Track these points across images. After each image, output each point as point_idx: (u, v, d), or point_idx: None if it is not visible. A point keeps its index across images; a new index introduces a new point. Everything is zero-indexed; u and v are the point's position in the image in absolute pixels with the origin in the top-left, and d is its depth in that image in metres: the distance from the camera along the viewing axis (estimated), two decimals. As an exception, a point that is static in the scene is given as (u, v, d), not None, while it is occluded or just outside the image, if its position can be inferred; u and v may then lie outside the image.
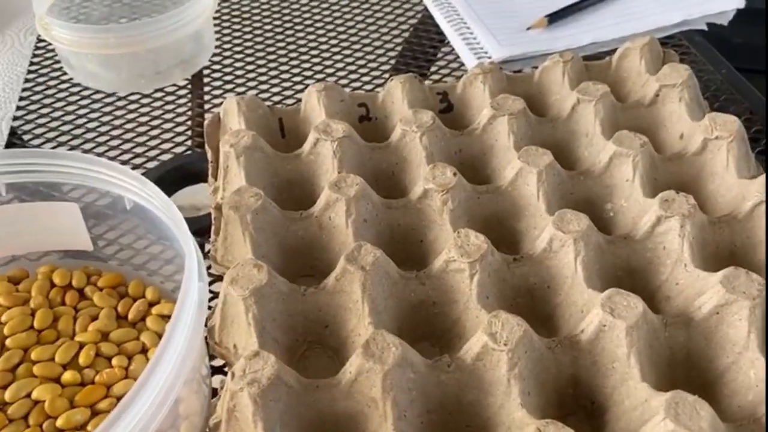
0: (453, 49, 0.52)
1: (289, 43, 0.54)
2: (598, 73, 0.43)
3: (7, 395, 0.28)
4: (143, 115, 0.47)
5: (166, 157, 0.44)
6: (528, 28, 0.50)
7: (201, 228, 0.37)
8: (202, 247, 0.36)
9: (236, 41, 0.54)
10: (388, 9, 0.58)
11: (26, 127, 0.46)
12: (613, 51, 0.44)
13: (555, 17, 0.51)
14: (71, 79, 0.49)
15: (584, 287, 0.30)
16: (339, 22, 0.56)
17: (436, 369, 0.27)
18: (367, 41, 0.54)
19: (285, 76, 0.51)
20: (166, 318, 0.32)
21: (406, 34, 0.56)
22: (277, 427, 0.25)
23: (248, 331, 0.29)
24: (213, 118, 0.41)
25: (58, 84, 0.49)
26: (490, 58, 0.48)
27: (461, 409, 0.27)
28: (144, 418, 0.22)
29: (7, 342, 0.30)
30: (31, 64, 0.51)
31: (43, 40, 0.53)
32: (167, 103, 0.48)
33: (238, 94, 0.48)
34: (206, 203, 0.40)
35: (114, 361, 0.30)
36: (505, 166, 0.37)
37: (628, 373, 0.27)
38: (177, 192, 0.43)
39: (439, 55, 0.54)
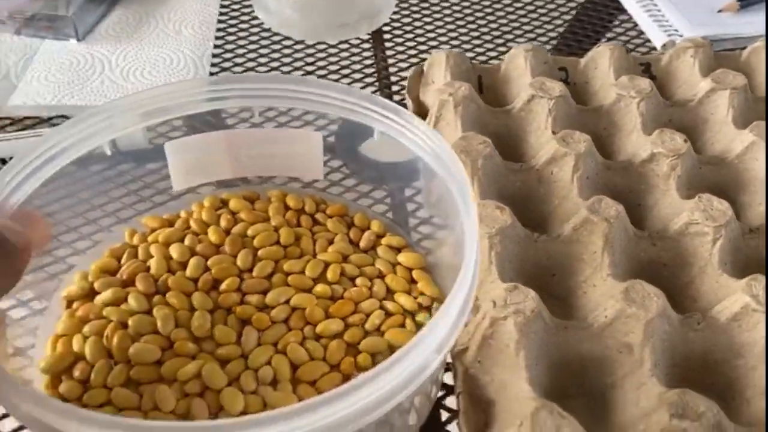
0: (623, 26, 0.52)
1: (454, 4, 0.55)
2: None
3: (268, 299, 0.29)
4: (331, 63, 0.48)
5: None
6: (719, 11, 0.49)
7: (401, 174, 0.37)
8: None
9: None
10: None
11: (217, 69, 0.48)
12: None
13: (746, 2, 0.50)
14: (260, 24, 0.51)
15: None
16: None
17: (686, 325, 0.27)
18: (533, 7, 0.55)
19: (452, 35, 0.51)
20: (395, 249, 0.32)
21: (573, 4, 0.56)
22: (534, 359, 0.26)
23: (488, 269, 0.29)
24: (416, 70, 0.42)
25: (249, 28, 0.51)
26: (681, 36, 0.47)
27: (706, 367, 0.27)
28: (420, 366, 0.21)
29: (260, 253, 0.31)
30: (220, 6, 0.53)
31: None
32: (353, 54, 0.49)
33: (411, 50, 0.49)
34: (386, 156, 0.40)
35: (357, 282, 0.30)
36: (720, 140, 0.36)
37: None
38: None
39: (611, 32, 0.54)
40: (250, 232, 0.32)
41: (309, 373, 0.27)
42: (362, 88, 0.46)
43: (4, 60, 0.45)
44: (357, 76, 0.47)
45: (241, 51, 0.49)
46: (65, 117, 0.42)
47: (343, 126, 0.36)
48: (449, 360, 0.29)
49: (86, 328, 0.27)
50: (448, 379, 0.29)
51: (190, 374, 0.26)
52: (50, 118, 0.42)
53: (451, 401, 0.29)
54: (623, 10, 0.54)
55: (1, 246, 0.22)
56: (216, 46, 0.49)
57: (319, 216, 0.34)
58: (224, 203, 0.34)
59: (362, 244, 0.33)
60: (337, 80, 0.47)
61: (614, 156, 0.37)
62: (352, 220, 0.34)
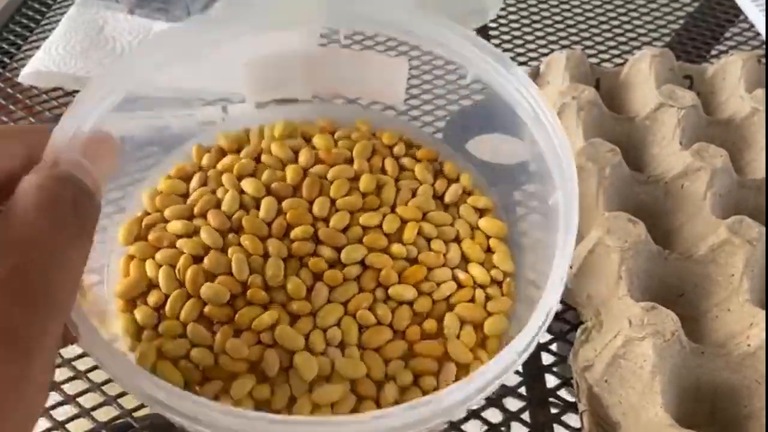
0: (739, 26, 0.49)
1: (563, 2, 0.53)
2: None
3: (343, 256, 0.28)
4: (436, 57, 0.47)
5: (453, 108, 0.44)
6: None
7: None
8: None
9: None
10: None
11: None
12: None
13: None
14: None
15: None
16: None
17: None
18: (646, 9, 0.52)
19: (561, 34, 0.50)
20: (478, 211, 0.31)
21: (690, 8, 0.53)
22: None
23: (616, 284, 0.28)
24: (532, 70, 0.41)
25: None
26: (765, 50, 0.45)
27: None
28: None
29: (337, 203, 0.29)
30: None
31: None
32: (458, 50, 0.48)
33: (520, 48, 0.48)
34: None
35: (433, 245, 0.29)
36: None
37: None
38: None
39: (727, 34, 0.51)
40: (329, 175, 0.30)
41: (375, 338, 0.26)
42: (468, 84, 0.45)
43: (119, 39, 0.46)
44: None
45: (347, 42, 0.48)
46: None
47: (453, 120, 0.35)
48: (570, 375, 0.28)
49: (159, 255, 0.27)
50: (566, 394, 0.28)
51: (265, 325, 0.26)
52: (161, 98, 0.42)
53: (569, 418, 0.28)
54: (741, 16, 0.52)
55: (79, 204, 0.19)
56: (322, 36, 0.49)
57: (406, 160, 0.32)
58: (301, 134, 0.32)
59: (447, 198, 0.31)
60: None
61: (742, 172, 0.35)
62: (442, 169, 0.32)
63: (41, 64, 0.42)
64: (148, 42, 0.27)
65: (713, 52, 0.51)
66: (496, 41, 0.49)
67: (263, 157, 0.31)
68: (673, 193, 0.32)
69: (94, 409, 0.28)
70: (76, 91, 0.43)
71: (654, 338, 0.24)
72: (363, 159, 0.31)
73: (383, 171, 0.32)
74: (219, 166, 0.31)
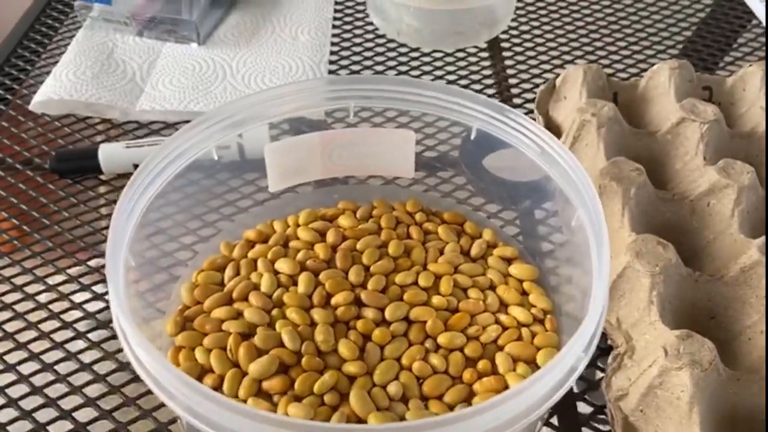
0: (753, 31, 0.49)
1: (574, 12, 0.52)
2: None
3: (387, 314, 0.28)
4: (449, 73, 0.47)
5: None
6: None
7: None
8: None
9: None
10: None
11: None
12: None
13: None
14: (374, 29, 0.50)
15: None
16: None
17: None
18: (659, 16, 0.52)
19: (574, 45, 0.49)
20: (506, 260, 0.32)
21: (702, 15, 0.53)
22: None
23: (647, 309, 0.28)
24: (548, 85, 0.40)
25: (364, 33, 0.50)
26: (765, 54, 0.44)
27: None
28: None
29: (371, 269, 0.30)
30: (334, 11, 0.52)
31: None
32: (470, 64, 0.48)
33: (532, 60, 0.48)
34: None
35: (470, 293, 0.30)
36: None
37: None
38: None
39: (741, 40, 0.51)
40: (358, 246, 0.31)
41: (435, 387, 0.27)
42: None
43: (129, 63, 0.45)
44: (476, 87, 0.46)
45: (356, 58, 0.48)
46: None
47: (467, 138, 0.35)
48: (602, 403, 0.28)
49: (206, 341, 0.27)
50: (599, 422, 0.28)
51: (327, 387, 0.26)
52: (175, 123, 0.42)
53: (602, 447, 0.27)
54: (753, 21, 0.51)
55: None
56: (331, 52, 0.48)
57: (429, 225, 0.33)
58: (322, 218, 0.34)
59: (473, 252, 0.32)
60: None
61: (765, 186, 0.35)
62: (463, 229, 0.33)
63: (52, 92, 0.42)
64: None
65: (727, 59, 0.50)
66: (508, 53, 0.49)
67: (291, 243, 0.32)
68: (699, 212, 0.32)
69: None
70: (89, 118, 0.43)
71: (691, 368, 0.24)
72: (389, 228, 0.33)
73: (409, 238, 0.33)
74: (250, 254, 0.31)
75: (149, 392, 0.22)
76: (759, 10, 0.50)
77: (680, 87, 0.37)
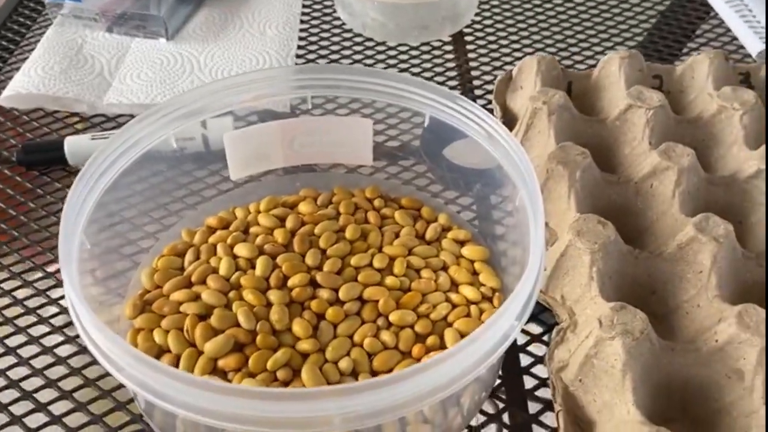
0: (714, 31, 0.50)
1: (536, 6, 0.54)
2: None
3: (341, 294, 0.29)
4: (413, 66, 0.48)
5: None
6: (820, 16, 0.47)
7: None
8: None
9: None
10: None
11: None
12: None
13: None
14: (341, 24, 0.51)
15: None
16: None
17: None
18: (618, 9, 0.53)
19: (536, 37, 0.50)
20: (459, 242, 0.33)
21: (661, 7, 0.54)
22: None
23: (588, 285, 0.29)
24: (504, 75, 0.42)
25: (331, 29, 0.51)
26: (764, 44, 0.45)
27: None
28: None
29: (328, 251, 0.31)
30: (303, 6, 0.53)
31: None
32: (435, 57, 0.49)
33: (495, 53, 0.49)
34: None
35: (423, 273, 0.31)
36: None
37: None
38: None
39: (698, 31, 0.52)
40: (316, 230, 0.32)
41: (385, 362, 0.28)
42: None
43: (97, 57, 0.46)
44: (439, 79, 0.47)
45: (323, 52, 0.49)
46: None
47: (429, 128, 0.37)
48: (547, 375, 0.29)
49: (164, 323, 0.28)
50: (544, 394, 0.29)
51: (280, 363, 0.27)
52: (143, 117, 0.43)
53: (546, 418, 0.29)
54: (711, 13, 0.52)
55: None
56: (299, 47, 0.49)
57: (386, 210, 0.34)
58: (283, 204, 0.35)
59: (428, 235, 0.33)
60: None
61: (711, 169, 0.36)
62: (420, 214, 0.35)
63: (21, 86, 0.43)
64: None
65: (685, 50, 0.51)
66: (472, 46, 0.50)
67: (252, 228, 0.33)
68: (643, 193, 0.33)
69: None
70: (57, 112, 0.44)
71: (623, 337, 0.25)
72: (347, 214, 0.34)
73: (366, 222, 0.34)
74: (210, 240, 0.32)
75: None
76: (715, 2, 0.51)
77: (630, 76, 0.39)
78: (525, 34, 0.51)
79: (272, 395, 0.21)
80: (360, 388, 0.20)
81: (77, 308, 0.23)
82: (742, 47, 0.48)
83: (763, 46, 0.45)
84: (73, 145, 0.38)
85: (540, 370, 0.30)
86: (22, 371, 0.30)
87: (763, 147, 0.33)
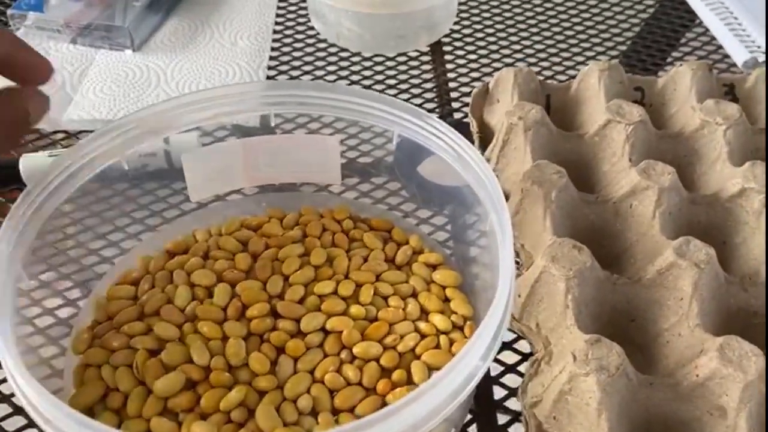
0: (699, 39, 0.49)
1: (517, 14, 0.52)
2: None
3: (303, 325, 0.28)
4: (389, 77, 0.46)
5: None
6: (807, 25, 0.46)
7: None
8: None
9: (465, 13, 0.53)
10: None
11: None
12: None
13: (836, 15, 0.46)
14: (315, 35, 0.49)
15: None
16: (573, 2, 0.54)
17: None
18: (600, 18, 0.52)
19: (516, 47, 0.49)
20: (431, 266, 0.31)
21: (644, 15, 0.53)
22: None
23: (563, 313, 0.27)
24: (481, 88, 0.40)
25: (305, 39, 0.50)
26: (764, 52, 0.44)
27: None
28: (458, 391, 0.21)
29: (290, 279, 0.30)
30: (276, 16, 0.51)
31: (283, -6, 0.53)
32: (412, 68, 0.47)
33: (473, 63, 0.47)
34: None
35: (391, 301, 0.30)
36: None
37: None
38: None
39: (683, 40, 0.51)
40: (279, 255, 0.31)
41: (347, 399, 0.26)
42: (421, 103, 0.45)
43: (60, 71, 0.44)
44: (416, 90, 0.46)
45: (296, 63, 0.47)
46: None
47: (400, 145, 0.35)
48: (519, 407, 0.27)
49: (114, 358, 0.27)
50: (518, 430, 0.27)
51: (233, 404, 0.25)
52: (105, 132, 0.41)
53: (520, 455, 0.27)
54: (696, 21, 0.51)
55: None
56: (271, 58, 0.48)
57: (355, 232, 0.33)
58: (247, 226, 0.33)
59: (398, 260, 0.32)
60: (395, 95, 0.45)
61: (693, 186, 0.35)
62: (391, 235, 0.33)
63: (-23, 102, 0.41)
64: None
65: (669, 60, 0.50)
66: (450, 56, 0.49)
67: (212, 253, 0.31)
68: (622, 213, 0.32)
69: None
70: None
71: (598, 374, 0.24)
72: (313, 236, 0.32)
73: (334, 245, 0.32)
74: (167, 266, 0.31)
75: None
76: (700, 10, 0.50)
77: (611, 88, 0.37)
78: (505, 43, 0.50)
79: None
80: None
81: (8, 362, 0.21)
82: (727, 56, 0.47)
83: (749, 55, 0.44)
84: (28, 163, 0.37)
85: (514, 404, 0.28)
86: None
87: (748, 164, 0.32)
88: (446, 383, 0.20)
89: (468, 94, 0.46)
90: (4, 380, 0.22)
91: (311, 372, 0.27)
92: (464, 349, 0.21)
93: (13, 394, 0.29)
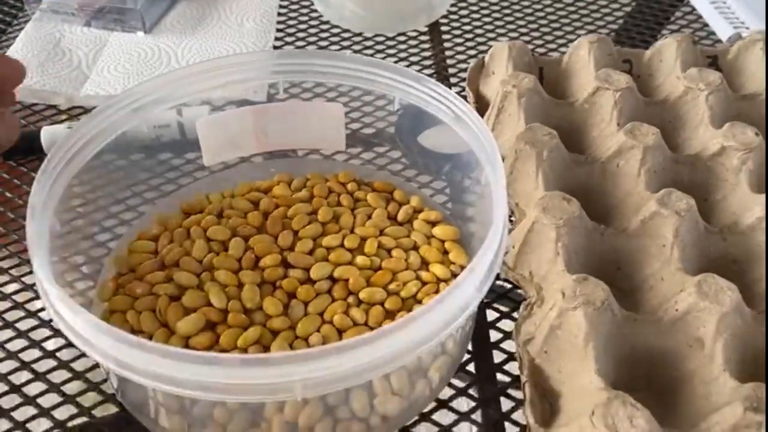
0: (686, 18, 0.51)
1: None
2: None
3: (312, 273, 0.30)
4: (389, 56, 0.49)
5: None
6: (789, 2, 0.48)
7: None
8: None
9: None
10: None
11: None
12: None
13: (817, -8, 0.48)
14: (318, 16, 0.51)
15: None
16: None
17: (759, 321, 0.27)
18: None
19: (511, 26, 0.51)
20: (430, 223, 0.33)
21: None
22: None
23: (554, 260, 0.29)
24: (477, 62, 0.42)
25: (309, 20, 0.52)
26: (747, 29, 0.46)
27: (779, 364, 0.27)
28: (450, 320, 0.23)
29: (300, 233, 0.32)
30: (280, -1, 0.54)
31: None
32: (411, 47, 0.49)
33: (470, 42, 0.49)
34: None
35: (393, 253, 0.32)
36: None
37: None
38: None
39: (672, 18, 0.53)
40: (289, 213, 0.33)
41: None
42: (421, 80, 0.47)
43: (75, 51, 0.47)
44: (416, 68, 0.48)
45: (300, 43, 0.50)
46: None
47: (403, 115, 0.37)
48: (514, 349, 0.29)
49: (137, 304, 0.29)
50: (513, 368, 0.29)
51: (250, 340, 0.27)
52: (120, 108, 0.43)
53: (514, 391, 0.29)
54: (684, 0, 0.53)
55: None
56: (276, 38, 0.50)
57: (360, 193, 0.35)
58: (258, 189, 0.35)
59: (400, 217, 0.34)
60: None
61: (678, 149, 0.37)
62: (392, 196, 0.35)
63: (-2, 80, 0.43)
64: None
65: (659, 38, 0.52)
66: (448, 36, 0.51)
67: (226, 212, 0.33)
68: (610, 173, 0.34)
69: (53, 408, 0.28)
70: (35, 104, 0.44)
71: (585, 307, 0.26)
72: (320, 197, 0.35)
73: (339, 206, 0.35)
74: (184, 224, 0.33)
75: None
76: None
77: (600, 60, 0.39)
78: (501, 23, 0.52)
79: (231, 361, 0.21)
80: (321, 353, 0.21)
81: (44, 285, 0.23)
82: (713, 33, 0.49)
83: (734, 31, 0.46)
84: (49, 135, 0.39)
85: (509, 345, 0.30)
86: (10, 365, 0.30)
87: (727, 125, 0.34)
88: (444, 307, 0.22)
89: (464, 71, 0.48)
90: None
91: (321, 314, 0.29)
92: (462, 275, 0.23)
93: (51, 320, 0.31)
